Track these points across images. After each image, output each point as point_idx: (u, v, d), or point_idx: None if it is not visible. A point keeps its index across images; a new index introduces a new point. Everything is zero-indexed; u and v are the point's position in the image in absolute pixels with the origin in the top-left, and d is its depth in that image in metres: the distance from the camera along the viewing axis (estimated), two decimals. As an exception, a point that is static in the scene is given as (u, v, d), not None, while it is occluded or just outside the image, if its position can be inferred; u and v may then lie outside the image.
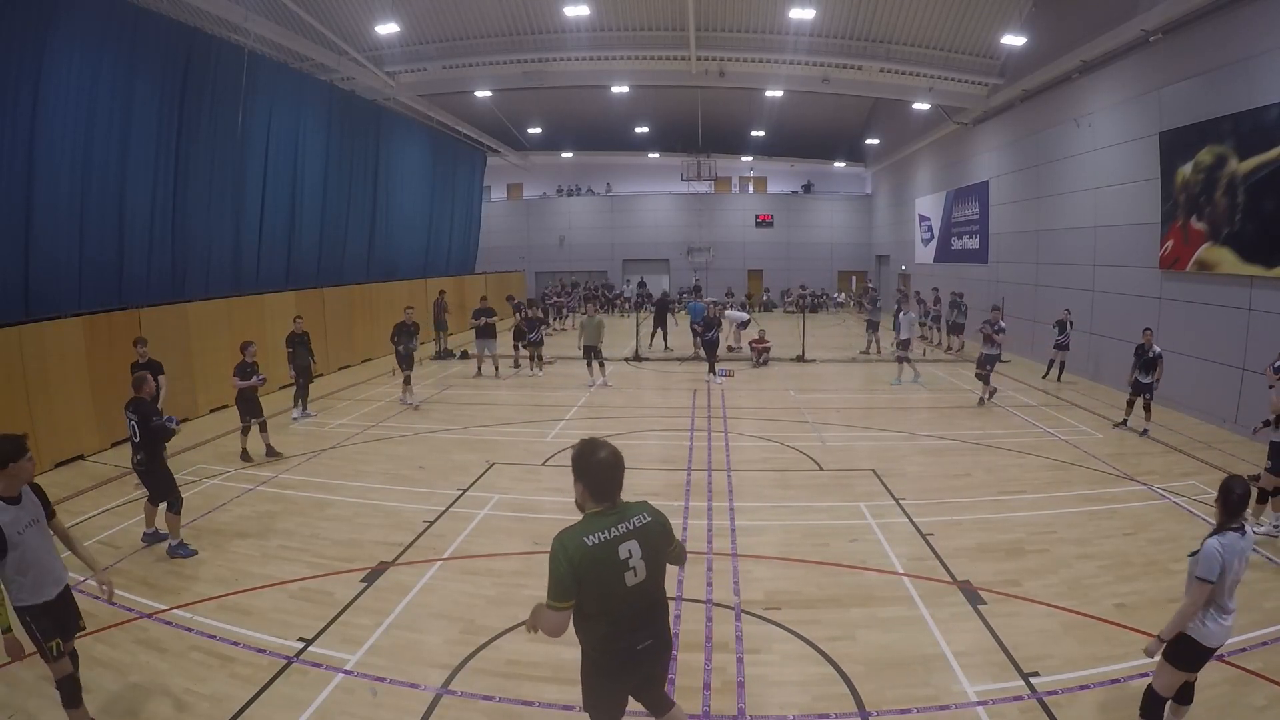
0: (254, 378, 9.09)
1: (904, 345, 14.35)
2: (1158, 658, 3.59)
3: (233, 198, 14.09)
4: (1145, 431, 10.05)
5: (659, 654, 2.87)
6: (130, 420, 6.20)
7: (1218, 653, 3.61)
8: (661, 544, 2.77)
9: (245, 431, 9.26)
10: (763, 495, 7.71)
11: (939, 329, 19.78)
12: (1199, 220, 10.96)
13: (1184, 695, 3.71)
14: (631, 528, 2.67)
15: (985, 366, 12.14)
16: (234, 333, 12.58)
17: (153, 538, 6.44)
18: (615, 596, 2.64)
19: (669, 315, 20.09)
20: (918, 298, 21.42)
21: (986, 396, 12.21)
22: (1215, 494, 3.58)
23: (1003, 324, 12.50)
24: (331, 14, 16.62)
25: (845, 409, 11.97)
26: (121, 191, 11.38)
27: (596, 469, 2.66)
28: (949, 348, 18.68)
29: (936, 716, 4.03)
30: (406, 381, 12.56)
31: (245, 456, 9.13)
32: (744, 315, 19.37)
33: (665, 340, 19.25)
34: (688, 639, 4.85)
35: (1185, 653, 3.51)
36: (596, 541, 2.61)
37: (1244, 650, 4.54)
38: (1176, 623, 3.47)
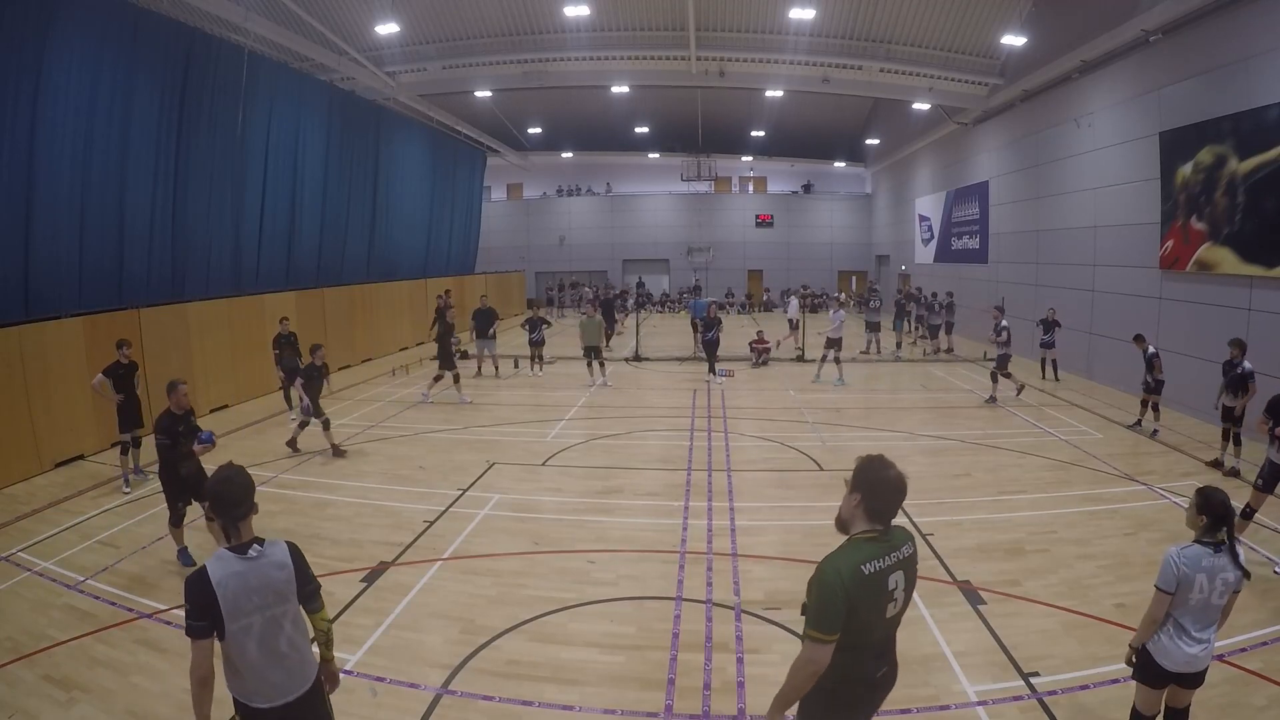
0: (323, 381, 9.58)
1: (834, 344, 14.41)
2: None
3: (233, 198, 14.08)
4: (1155, 432, 10.05)
5: (890, 683, 2.66)
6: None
7: (1190, 681, 3.31)
8: (915, 575, 2.58)
9: (302, 426, 9.48)
10: (763, 495, 7.71)
11: (912, 328, 19.51)
12: (1199, 220, 10.96)
13: (1177, 717, 3.44)
14: (901, 557, 2.47)
15: (1000, 367, 12.29)
16: (234, 333, 12.61)
17: (185, 556, 6.06)
18: (873, 628, 2.45)
19: (614, 317, 19.27)
20: (913, 297, 21.33)
21: (1015, 392, 12.38)
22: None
23: (1003, 323, 12.54)
24: (331, 14, 16.62)
25: (845, 409, 11.97)
26: (121, 191, 11.38)
27: (884, 487, 2.43)
28: (928, 350, 18.53)
29: (936, 716, 4.03)
30: (456, 380, 12.79)
31: (292, 445, 9.44)
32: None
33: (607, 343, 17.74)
34: (688, 639, 4.85)
35: (1145, 667, 3.35)
36: (872, 570, 2.38)
37: (1244, 650, 4.54)
38: (1139, 633, 3.35)
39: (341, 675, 4.35)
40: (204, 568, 2.57)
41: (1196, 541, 3.25)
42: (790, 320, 19.00)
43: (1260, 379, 9.60)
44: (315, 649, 2.89)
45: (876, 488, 2.43)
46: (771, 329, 20.43)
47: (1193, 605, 3.19)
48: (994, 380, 12.38)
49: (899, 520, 2.57)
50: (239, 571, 2.56)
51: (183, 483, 6.02)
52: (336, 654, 4.58)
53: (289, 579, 2.66)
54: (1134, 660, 3.42)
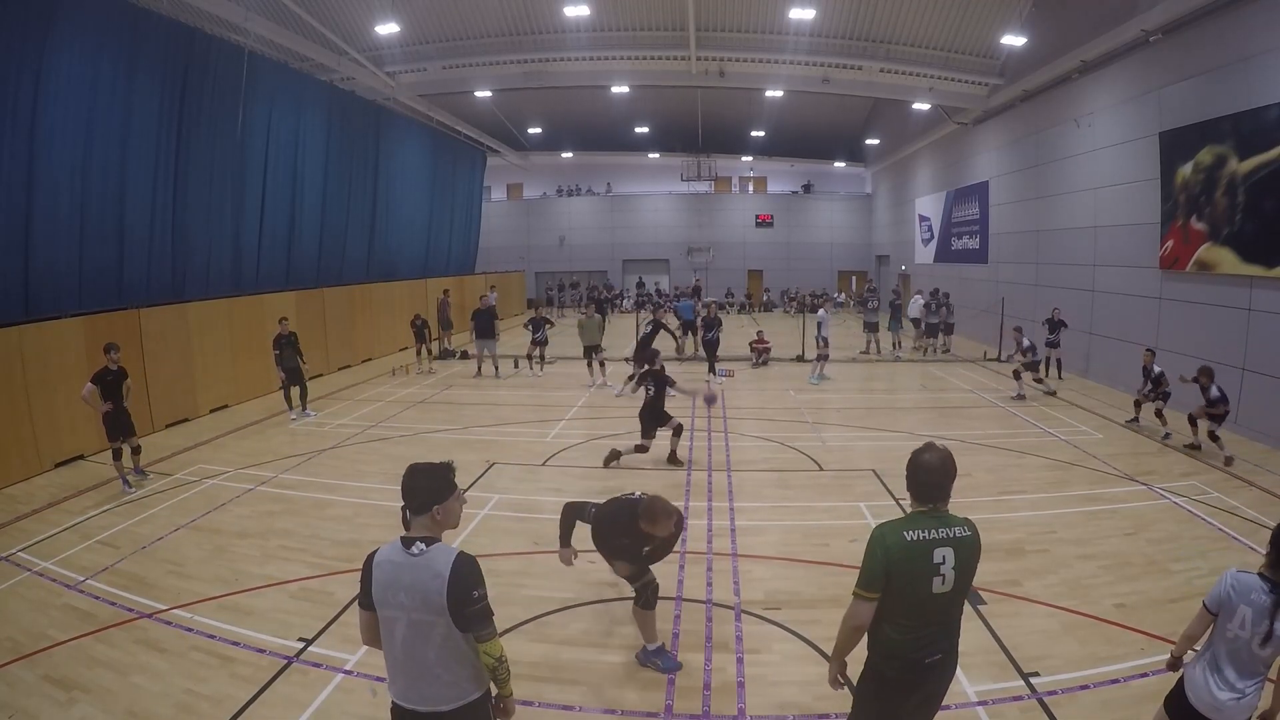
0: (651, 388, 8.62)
1: (823, 343, 14.59)
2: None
3: (233, 198, 14.07)
4: (1167, 436, 9.91)
5: (945, 672, 2.77)
6: None
7: None
8: (973, 561, 2.68)
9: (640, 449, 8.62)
10: (763, 495, 7.71)
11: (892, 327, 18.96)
12: (1199, 220, 10.96)
13: None
14: (951, 535, 2.63)
15: (1025, 371, 12.69)
16: (234, 333, 12.62)
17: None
18: (918, 600, 2.61)
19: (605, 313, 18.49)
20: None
21: (1019, 393, 12.62)
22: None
23: (1026, 342, 12.75)
24: (331, 14, 16.62)
25: (845, 409, 11.97)
26: (121, 192, 11.37)
27: (920, 470, 2.68)
28: (927, 350, 18.44)
29: (936, 716, 4.02)
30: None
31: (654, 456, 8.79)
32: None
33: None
34: (688, 639, 4.85)
35: (1174, 692, 3.08)
36: (915, 538, 2.60)
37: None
38: (1178, 643, 3.16)
39: (341, 675, 4.40)
40: (379, 548, 2.61)
41: (1260, 573, 2.90)
42: (916, 320, 18.49)
43: (1260, 379, 9.65)
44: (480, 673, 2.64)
45: (915, 471, 2.71)
46: (771, 329, 20.44)
47: (1229, 639, 2.88)
48: (1017, 377, 12.70)
49: (897, 516, 2.74)
50: (396, 562, 2.52)
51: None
52: (336, 653, 4.63)
53: (440, 590, 2.45)
54: (1177, 668, 3.21)
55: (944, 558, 2.59)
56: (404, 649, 2.51)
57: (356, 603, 2.65)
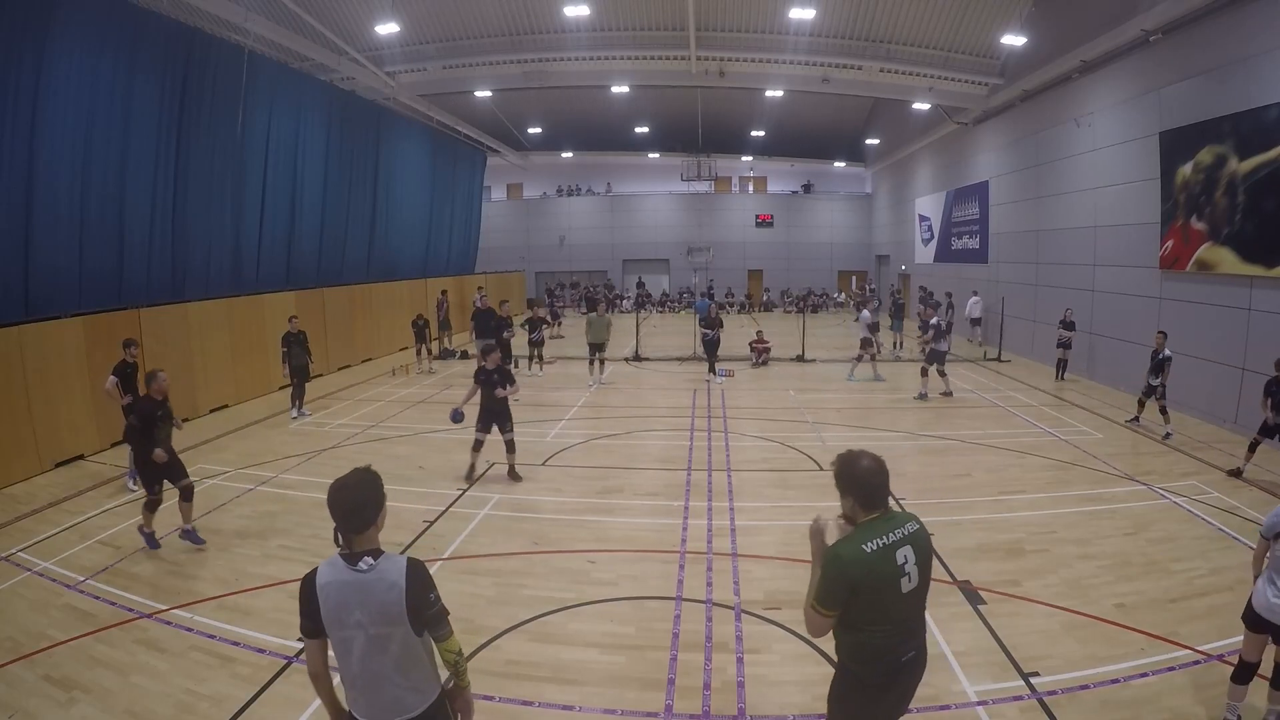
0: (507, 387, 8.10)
1: (868, 344, 14.79)
2: None
3: (233, 198, 14.07)
4: (1168, 435, 9.91)
5: (918, 668, 2.79)
6: None
7: None
8: (929, 552, 2.71)
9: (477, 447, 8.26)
10: (763, 495, 7.71)
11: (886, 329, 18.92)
12: (1199, 220, 10.96)
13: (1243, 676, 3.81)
14: (906, 533, 2.64)
15: (932, 362, 12.71)
16: (234, 333, 12.62)
17: (151, 540, 6.38)
18: (889, 605, 2.61)
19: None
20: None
21: (941, 392, 12.73)
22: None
23: (933, 321, 12.96)
24: (331, 14, 16.61)
25: (845, 409, 11.97)
26: (121, 192, 11.37)
27: (863, 478, 2.63)
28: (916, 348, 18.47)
29: (936, 716, 4.03)
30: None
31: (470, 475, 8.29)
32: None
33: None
34: (688, 639, 4.85)
35: (1246, 608, 3.74)
36: (875, 548, 2.56)
37: (1244, 650, 4.53)
38: (1253, 565, 3.83)
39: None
40: (315, 569, 2.47)
41: None
42: (977, 320, 18.55)
43: (1261, 380, 9.61)
44: (443, 674, 2.62)
45: (857, 481, 2.64)
46: (771, 329, 20.43)
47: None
48: (923, 375, 12.74)
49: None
50: (346, 582, 2.41)
51: (157, 467, 6.32)
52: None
53: (398, 600, 2.40)
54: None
55: (905, 557, 2.60)
56: (361, 664, 2.44)
57: (302, 635, 2.50)
